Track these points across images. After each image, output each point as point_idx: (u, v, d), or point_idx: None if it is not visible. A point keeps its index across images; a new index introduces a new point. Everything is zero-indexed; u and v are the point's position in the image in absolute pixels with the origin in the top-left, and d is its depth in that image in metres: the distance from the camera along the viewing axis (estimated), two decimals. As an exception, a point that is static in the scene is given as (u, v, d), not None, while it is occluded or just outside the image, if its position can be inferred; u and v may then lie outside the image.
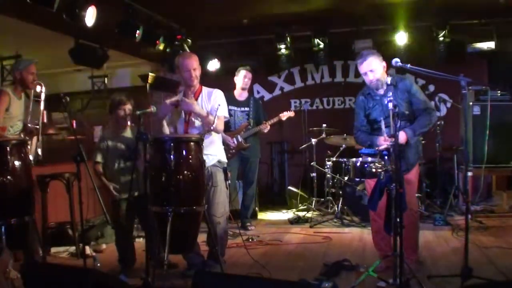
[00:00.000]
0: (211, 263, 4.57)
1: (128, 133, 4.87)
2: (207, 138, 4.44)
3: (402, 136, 4.25)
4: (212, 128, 4.39)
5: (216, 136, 4.65)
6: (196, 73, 4.62)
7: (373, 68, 4.39)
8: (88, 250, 5.09)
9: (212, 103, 4.60)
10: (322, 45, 8.06)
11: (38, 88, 5.09)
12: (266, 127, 6.75)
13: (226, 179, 4.61)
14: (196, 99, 4.62)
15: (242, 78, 6.73)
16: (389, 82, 4.16)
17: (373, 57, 4.41)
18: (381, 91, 4.45)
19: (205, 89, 4.72)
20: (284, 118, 6.93)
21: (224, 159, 4.74)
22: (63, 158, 5.45)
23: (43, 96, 5.04)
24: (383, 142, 4.24)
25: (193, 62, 4.61)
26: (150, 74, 7.15)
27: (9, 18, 5.57)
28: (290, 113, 6.98)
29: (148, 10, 6.57)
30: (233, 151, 6.47)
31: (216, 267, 4.44)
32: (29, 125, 4.97)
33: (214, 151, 4.61)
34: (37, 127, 4.97)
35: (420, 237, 4.79)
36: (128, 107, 4.82)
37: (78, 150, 4.37)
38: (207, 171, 4.45)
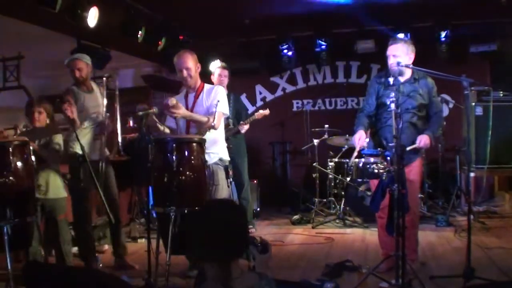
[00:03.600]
0: None
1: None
2: (207, 136, 4.43)
3: (428, 140, 4.30)
4: (212, 125, 4.38)
5: (217, 133, 4.61)
6: (190, 72, 4.53)
7: (397, 54, 4.42)
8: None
9: (211, 99, 4.56)
10: (324, 46, 8.06)
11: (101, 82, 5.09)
12: (243, 127, 6.55)
13: (227, 177, 4.59)
14: (197, 97, 4.62)
15: (216, 76, 6.44)
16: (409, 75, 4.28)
17: (402, 44, 4.45)
18: (402, 79, 4.46)
19: (206, 86, 4.69)
20: (259, 117, 6.70)
21: (226, 157, 4.71)
22: (66, 159, 5.43)
23: (105, 89, 4.99)
24: (357, 141, 4.47)
25: (186, 61, 4.52)
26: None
27: (11, 19, 5.56)
28: (265, 112, 6.72)
29: (150, 11, 6.56)
30: None
31: None
32: (100, 117, 4.94)
33: (215, 149, 4.59)
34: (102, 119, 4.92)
35: (422, 238, 4.80)
36: (38, 110, 4.74)
37: (82, 150, 4.43)
38: (209, 169, 4.44)
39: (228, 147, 6.21)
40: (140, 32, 6.45)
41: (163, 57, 7.52)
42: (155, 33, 6.89)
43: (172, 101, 4.29)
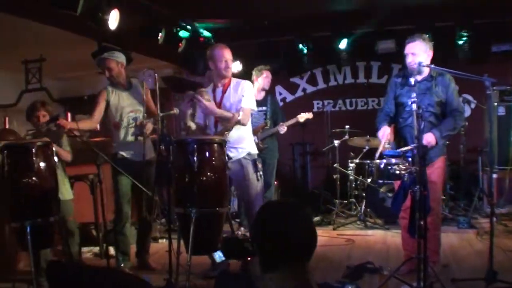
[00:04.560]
0: None
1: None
2: (235, 131, 4.46)
3: (431, 138, 4.22)
4: (239, 120, 4.41)
5: (245, 128, 4.65)
6: (229, 64, 4.64)
7: (415, 52, 4.40)
8: (111, 250, 5.13)
9: (239, 92, 4.61)
10: (343, 46, 8.03)
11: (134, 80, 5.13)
12: (283, 128, 6.58)
13: (256, 170, 4.63)
14: (225, 91, 4.66)
15: (264, 78, 6.60)
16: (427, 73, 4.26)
17: (420, 41, 4.42)
18: (418, 77, 4.41)
19: (233, 81, 4.74)
20: (302, 120, 6.77)
21: (254, 151, 4.74)
22: (87, 159, 5.49)
23: (145, 86, 4.97)
24: (381, 136, 4.46)
25: (228, 53, 4.64)
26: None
27: (33, 22, 5.63)
28: (308, 115, 6.79)
29: (170, 12, 6.59)
30: None
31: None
32: (140, 117, 4.94)
33: (243, 144, 4.64)
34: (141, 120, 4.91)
35: (444, 240, 4.74)
36: (42, 113, 4.80)
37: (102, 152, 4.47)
38: (238, 164, 4.47)
39: (264, 148, 6.32)
40: (160, 34, 6.48)
41: (183, 59, 7.55)
42: (175, 35, 6.91)
43: (203, 92, 4.42)
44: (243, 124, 4.58)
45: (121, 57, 4.99)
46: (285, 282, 2.17)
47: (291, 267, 2.18)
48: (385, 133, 4.51)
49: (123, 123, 4.95)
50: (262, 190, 4.75)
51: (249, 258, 2.48)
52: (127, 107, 4.97)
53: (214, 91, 4.76)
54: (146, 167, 4.88)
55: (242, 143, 4.61)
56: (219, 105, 4.63)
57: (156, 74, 4.57)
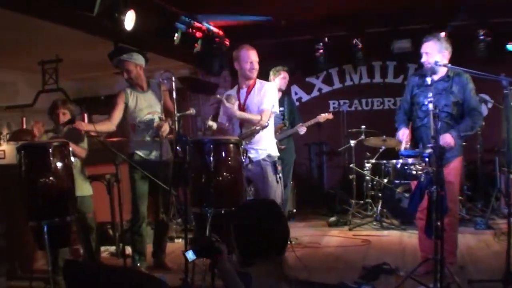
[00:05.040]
0: None
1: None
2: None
3: (449, 139, 4.19)
4: (262, 123, 4.44)
5: (265, 130, 4.63)
6: (256, 65, 4.68)
7: (428, 52, 4.40)
8: (128, 250, 5.16)
9: (261, 96, 4.64)
10: (360, 46, 8.00)
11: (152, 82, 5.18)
12: (302, 129, 6.57)
13: (276, 172, 4.63)
14: (249, 93, 4.69)
15: (281, 78, 6.59)
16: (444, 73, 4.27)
17: (434, 42, 4.41)
18: (435, 77, 4.39)
19: (258, 82, 4.77)
20: (322, 120, 6.75)
21: (274, 153, 4.76)
22: (104, 159, 5.53)
23: (163, 87, 4.97)
24: (401, 137, 4.45)
25: (254, 54, 4.69)
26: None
27: (49, 22, 5.67)
28: (328, 115, 6.77)
29: (186, 13, 6.60)
30: None
31: None
32: (156, 119, 4.96)
33: (263, 146, 4.65)
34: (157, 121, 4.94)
35: (461, 241, 4.71)
36: (62, 111, 4.86)
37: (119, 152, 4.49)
38: (258, 165, 4.50)
39: (282, 148, 6.29)
40: (176, 34, 6.50)
41: (199, 59, 7.56)
42: (191, 35, 6.92)
43: (231, 97, 4.47)
44: (265, 126, 4.58)
45: (139, 59, 5.03)
46: (262, 276, 2.34)
47: (267, 262, 2.36)
48: (404, 134, 4.51)
49: (141, 124, 4.99)
50: (281, 193, 4.74)
51: (218, 257, 2.56)
52: (144, 108, 5.01)
53: (238, 92, 4.79)
54: (163, 168, 4.89)
55: (262, 144, 4.62)
56: (243, 106, 4.66)
57: (173, 76, 4.57)
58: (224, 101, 4.53)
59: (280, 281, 2.37)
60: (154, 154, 4.96)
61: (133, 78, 5.00)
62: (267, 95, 4.62)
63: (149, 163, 4.92)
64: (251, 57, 4.65)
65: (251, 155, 4.47)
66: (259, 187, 4.62)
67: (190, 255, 2.68)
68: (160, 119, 4.86)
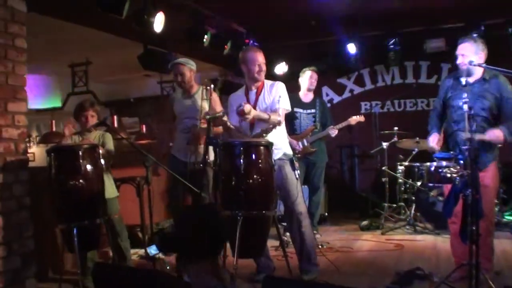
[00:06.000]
0: (305, 267, 4.57)
1: (91, 136, 4.91)
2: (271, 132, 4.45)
3: (498, 133, 4.08)
4: (278, 120, 4.39)
5: (279, 129, 4.60)
6: (263, 67, 4.62)
7: (464, 53, 4.30)
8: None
9: (273, 95, 4.59)
10: (392, 46, 7.86)
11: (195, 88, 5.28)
12: (334, 132, 6.46)
13: (294, 169, 4.60)
14: (259, 94, 4.65)
15: (308, 78, 6.52)
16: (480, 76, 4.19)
17: (470, 43, 4.32)
18: (471, 80, 4.30)
19: (267, 83, 4.72)
20: (353, 123, 6.64)
21: (289, 151, 4.72)
22: (133, 162, 5.54)
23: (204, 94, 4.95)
24: (431, 143, 4.40)
25: (261, 56, 4.63)
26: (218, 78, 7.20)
27: (79, 26, 5.72)
28: (360, 118, 6.67)
29: (216, 15, 6.58)
30: (299, 155, 6.15)
31: (312, 271, 4.47)
32: (194, 123, 5.06)
33: (279, 145, 4.58)
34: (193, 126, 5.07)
35: (496, 246, 4.56)
36: (91, 113, 4.86)
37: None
38: (275, 165, 4.43)
39: (312, 151, 6.27)
40: (206, 36, 6.48)
41: (229, 61, 7.54)
42: (221, 37, 6.90)
43: (247, 107, 4.35)
44: (280, 125, 4.55)
45: (194, 66, 5.24)
46: (199, 274, 2.58)
47: (203, 261, 2.60)
48: (435, 140, 4.45)
49: (179, 127, 5.18)
50: (301, 189, 4.70)
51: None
52: (185, 113, 5.17)
53: (247, 94, 4.75)
54: (197, 172, 4.90)
55: (277, 144, 4.55)
56: (254, 107, 4.60)
57: (212, 86, 4.66)
58: (246, 111, 4.43)
59: (215, 279, 2.55)
60: (188, 158, 5.02)
61: (186, 82, 5.18)
62: (281, 95, 4.56)
63: (184, 166, 4.99)
64: (258, 59, 4.60)
65: None
66: (280, 187, 4.58)
67: (153, 249, 2.75)
68: (197, 125, 4.97)
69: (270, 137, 4.41)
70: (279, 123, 4.43)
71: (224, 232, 2.55)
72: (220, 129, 4.93)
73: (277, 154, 4.53)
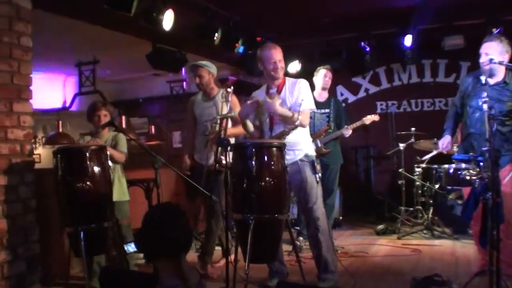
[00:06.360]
0: (321, 275, 4.45)
1: (103, 138, 4.89)
2: (293, 133, 4.33)
3: None
4: (296, 124, 4.25)
5: (303, 130, 4.50)
6: (282, 64, 4.50)
7: (488, 52, 4.22)
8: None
9: (296, 94, 4.45)
10: (408, 43, 7.70)
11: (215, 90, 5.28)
12: (348, 132, 6.30)
13: (315, 172, 4.47)
14: (280, 92, 4.51)
15: (322, 77, 6.39)
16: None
17: (496, 43, 4.25)
18: (491, 81, 4.20)
19: (288, 80, 4.58)
20: (368, 122, 6.50)
21: (311, 152, 4.58)
22: (142, 163, 5.46)
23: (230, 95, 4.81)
24: (441, 146, 4.47)
25: (278, 53, 4.49)
26: (230, 78, 7.09)
27: (87, 24, 5.68)
28: (375, 117, 6.53)
29: (226, 12, 6.48)
30: None
31: (329, 280, 4.37)
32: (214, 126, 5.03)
33: (300, 146, 4.48)
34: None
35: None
36: (103, 112, 4.85)
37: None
38: (295, 166, 4.36)
39: (327, 152, 6.12)
40: (216, 34, 6.38)
41: (240, 59, 7.45)
42: (232, 35, 6.80)
43: (277, 97, 4.33)
44: (303, 126, 4.44)
45: (213, 68, 5.25)
46: (164, 273, 2.62)
47: (168, 260, 2.64)
48: (444, 143, 4.46)
49: (199, 130, 5.24)
50: (321, 193, 4.57)
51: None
52: (204, 116, 5.21)
53: (267, 93, 4.61)
54: (213, 174, 4.86)
55: (299, 145, 4.45)
56: None
57: (229, 89, 4.50)
58: (267, 100, 4.36)
59: (176, 278, 2.60)
60: (207, 160, 4.99)
61: (204, 84, 5.19)
62: (304, 94, 4.43)
63: (202, 168, 5.03)
64: (274, 56, 4.46)
65: (288, 157, 4.28)
66: (298, 189, 4.46)
67: (131, 248, 2.88)
68: (213, 127, 4.94)
69: (292, 137, 4.31)
70: (301, 125, 4.31)
71: (186, 233, 2.76)
72: (236, 130, 4.89)
73: (298, 155, 4.43)
